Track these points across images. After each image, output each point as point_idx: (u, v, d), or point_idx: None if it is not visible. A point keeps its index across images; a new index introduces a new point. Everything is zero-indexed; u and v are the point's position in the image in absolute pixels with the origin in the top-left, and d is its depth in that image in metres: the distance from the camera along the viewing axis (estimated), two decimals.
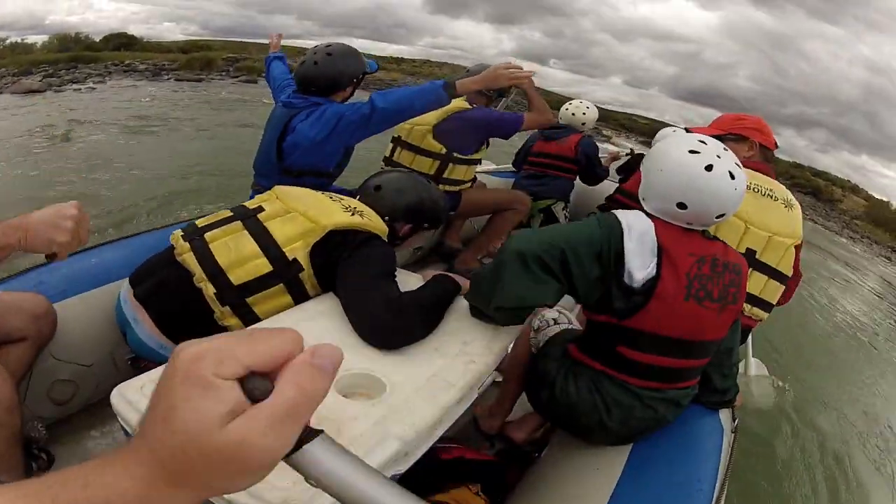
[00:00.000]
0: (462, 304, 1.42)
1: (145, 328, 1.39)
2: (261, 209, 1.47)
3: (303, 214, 1.42)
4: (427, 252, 2.93)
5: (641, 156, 3.22)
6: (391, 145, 2.77)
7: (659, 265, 1.21)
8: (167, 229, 1.83)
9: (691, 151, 1.25)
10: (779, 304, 1.74)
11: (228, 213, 1.50)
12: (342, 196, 1.56)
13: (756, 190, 1.64)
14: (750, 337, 1.94)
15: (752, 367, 2.48)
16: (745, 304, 1.60)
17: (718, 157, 1.24)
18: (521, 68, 2.02)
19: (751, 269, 1.57)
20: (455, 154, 2.64)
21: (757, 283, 1.63)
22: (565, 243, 1.22)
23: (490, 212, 2.93)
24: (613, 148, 4.02)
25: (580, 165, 3.44)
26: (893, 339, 7.24)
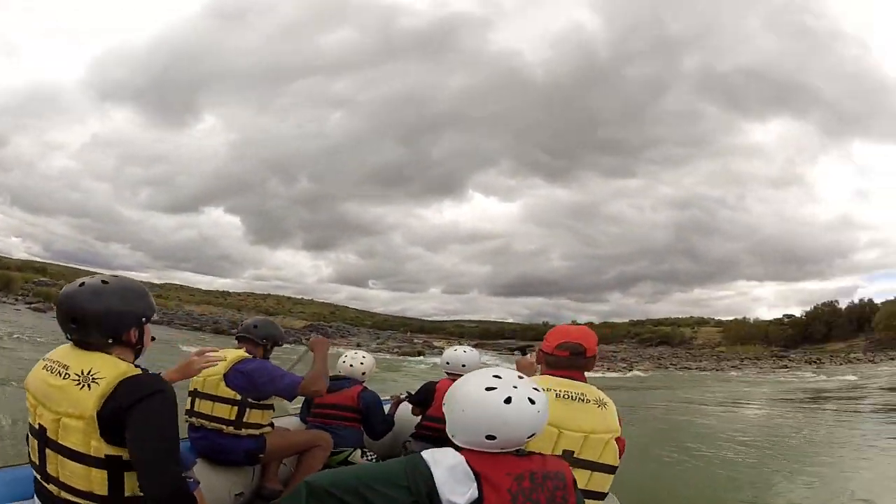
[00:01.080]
0: None
1: None
2: (43, 428, 1.49)
3: (66, 415, 1.44)
4: (249, 497, 2.97)
5: (432, 383, 3.66)
6: (189, 398, 2.90)
7: (479, 489, 1.28)
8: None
9: (488, 388, 1.35)
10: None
11: (35, 442, 1.54)
12: (60, 365, 1.53)
13: (566, 396, 1.85)
14: None
15: None
16: None
17: (515, 387, 1.35)
18: (215, 351, 2.20)
19: (571, 467, 1.61)
20: (249, 399, 2.82)
21: (581, 478, 1.75)
22: (358, 479, 1.29)
23: (297, 452, 3.14)
24: (394, 394, 4.10)
25: (363, 415, 3.55)
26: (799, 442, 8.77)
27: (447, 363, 3.67)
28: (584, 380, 1.97)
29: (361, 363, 3.68)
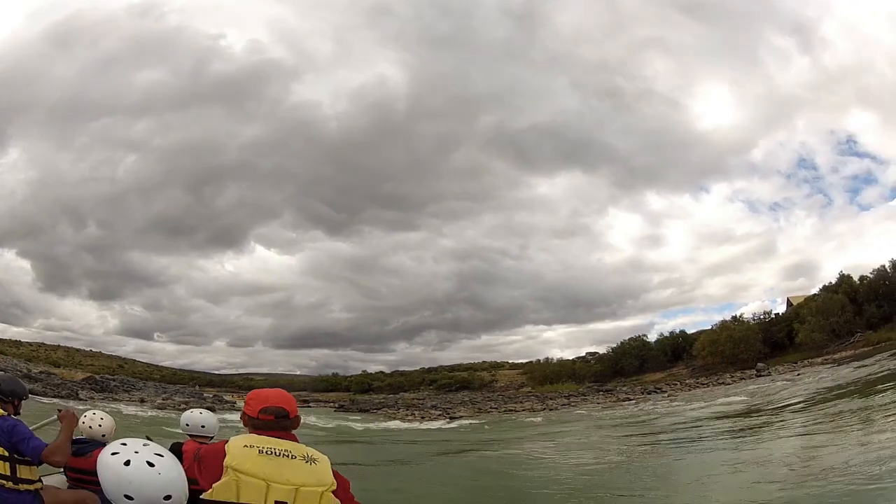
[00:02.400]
0: None
1: None
2: None
3: None
4: None
5: (178, 444, 3.39)
6: None
7: None
8: None
9: (113, 454, 1.56)
10: None
11: None
12: None
13: (269, 452, 1.96)
14: None
15: None
16: None
17: (136, 451, 1.56)
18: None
19: None
20: (16, 455, 3.02)
21: None
22: None
23: None
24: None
25: None
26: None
27: (186, 425, 3.77)
28: (294, 439, 2.10)
29: (100, 425, 3.83)
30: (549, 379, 55.92)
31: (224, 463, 1.91)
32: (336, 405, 52.34)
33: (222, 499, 1.86)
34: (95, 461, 3.57)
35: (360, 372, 62.77)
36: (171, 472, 1.57)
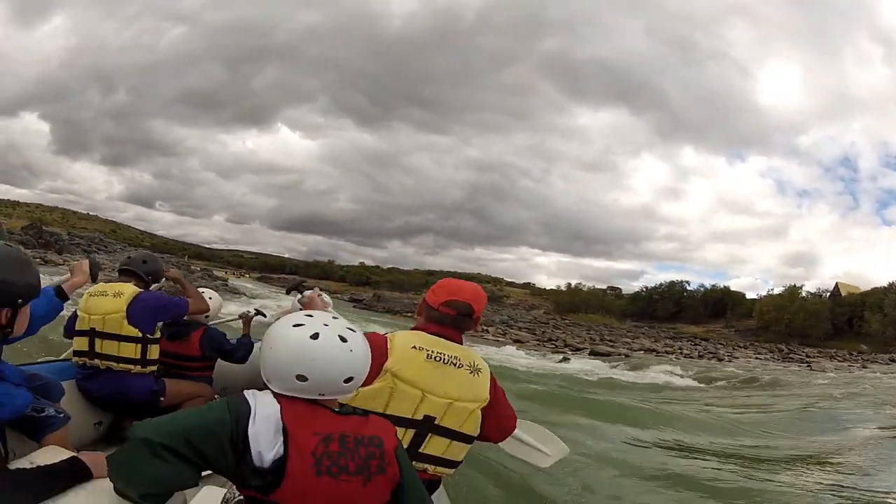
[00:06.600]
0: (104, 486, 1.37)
1: None
2: None
3: None
4: (106, 429, 2.98)
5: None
6: (84, 339, 2.83)
7: (286, 445, 1.23)
8: None
9: (296, 325, 1.31)
10: (497, 441, 1.97)
11: None
12: None
13: (437, 359, 1.73)
14: (441, 486, 1.99)
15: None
16: (427, 465, 1.72)
17: (326, 324, 1.32)
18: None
19: (430, 434, 1.70)
20: (148, 336, 2.86)
21: (438, 446, 1.73)
22: (188, 431, 1.24)
23: (186, 399, 3.09)
24: (240, 309, 3.99)
25: (212, 360, 3.38)
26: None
27: None
28: (461, 341, 1.85)
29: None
30: (576, 307, 52.10)
31: (384, 365, 1.67)
32: (350, 298, 46.35)
33: (368, 407, 1.53)
34: (193, 346, 3.26)
35: (350, 263, 59.61)
36: (361, 352, 1.33)
